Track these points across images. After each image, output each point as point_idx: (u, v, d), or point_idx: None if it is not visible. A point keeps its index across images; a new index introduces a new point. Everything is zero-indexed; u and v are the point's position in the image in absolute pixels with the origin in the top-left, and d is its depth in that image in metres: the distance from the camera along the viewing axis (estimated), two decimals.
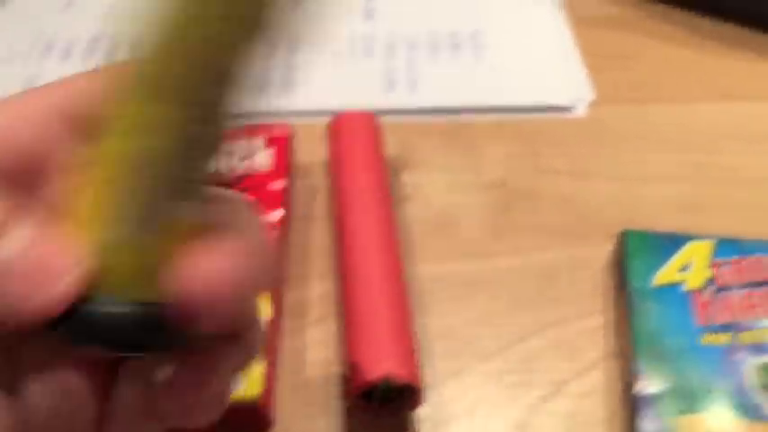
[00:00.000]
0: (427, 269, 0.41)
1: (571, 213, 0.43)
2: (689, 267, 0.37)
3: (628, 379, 0.34)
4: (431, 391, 0.35)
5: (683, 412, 0.32)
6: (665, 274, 0.37)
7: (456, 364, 0.36)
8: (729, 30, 0.55)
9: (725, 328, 0.35)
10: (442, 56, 0.53)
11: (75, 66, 0.52)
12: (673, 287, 0.36)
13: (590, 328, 0.38)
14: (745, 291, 0.36)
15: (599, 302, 0.39)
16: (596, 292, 0.39)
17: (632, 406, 0.33)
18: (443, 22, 0.57)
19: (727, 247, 0.38)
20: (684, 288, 0.36)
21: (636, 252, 0.38)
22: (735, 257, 0.37)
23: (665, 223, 0.41)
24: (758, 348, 0.34)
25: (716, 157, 0.46)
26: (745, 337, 0.34)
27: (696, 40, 0.55)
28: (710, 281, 0.36)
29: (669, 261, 0.37)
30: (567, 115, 0.49)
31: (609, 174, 0.45)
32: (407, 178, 0.45)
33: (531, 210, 0.43)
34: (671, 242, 0.38)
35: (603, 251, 0.40)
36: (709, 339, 0.34)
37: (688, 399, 0.32)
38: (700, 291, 0.36)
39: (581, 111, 0.50)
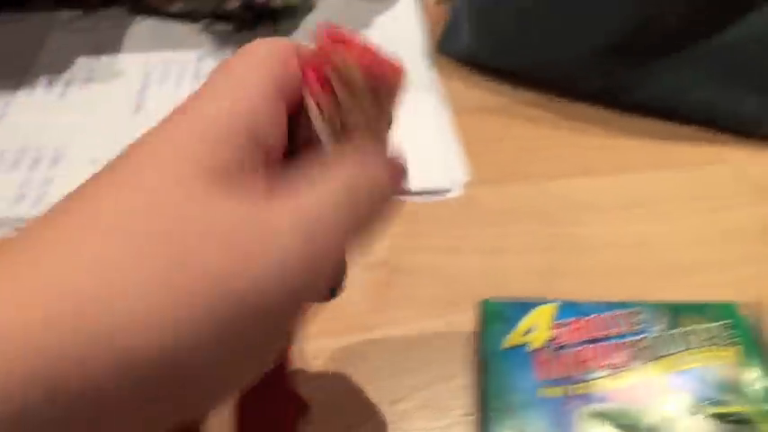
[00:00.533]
0: (312, 344, 0.46)
1: (444, 286, 0.49)
2: (533, 330, 0.43)
3: None
4: None
5: None
6: (513, 337, 0.42)
7: (334, 427, 0.41)
8: (585, 110, 0.63)
9: (559, 381, 0.40)
10: None
11: None
12: (519, 348, 0.42)
13: (455, 388, 0.43)
14: (580, 347, 0.42)
15: (464, 365, 0.44)
16: (462, 356, 0.44)
17: None
18: None
19: (569, 309, 0.44)
20: (528, 349, 0.42)
21: (491, 319, 0.44)
22: (574, 318, 0.43)
23: (524, 290, 0.47)
24: (587, 398, 0.39)
25: (571, 228, 0.53)
26: (578, 389, 0.40)
27: (559, 122, 0.62)
28: (551, 341, 0.42)
29: (517, 325, 0.43)
30: (446, 196, 0.56)
31: (477, 247, 0.51)
32: None
33: (409, 284, 0.49)
34: (520, 308, 0.44)
35: (470, 318, 0.46)
36: (547, 392, 0.40)
37: None
38: (541, 350, 0.42)
39: (457, 191, 0.56)
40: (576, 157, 0.59)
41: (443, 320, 0.47)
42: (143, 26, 0.78)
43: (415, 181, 0.61)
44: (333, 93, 0.29)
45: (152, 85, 0.69)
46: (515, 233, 0.53)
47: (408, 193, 0.57)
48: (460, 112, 0.64)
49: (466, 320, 0.46)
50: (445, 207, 0.55)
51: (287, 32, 0.76)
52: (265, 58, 0.30)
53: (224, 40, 0.75)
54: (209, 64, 0.72)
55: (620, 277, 0.49)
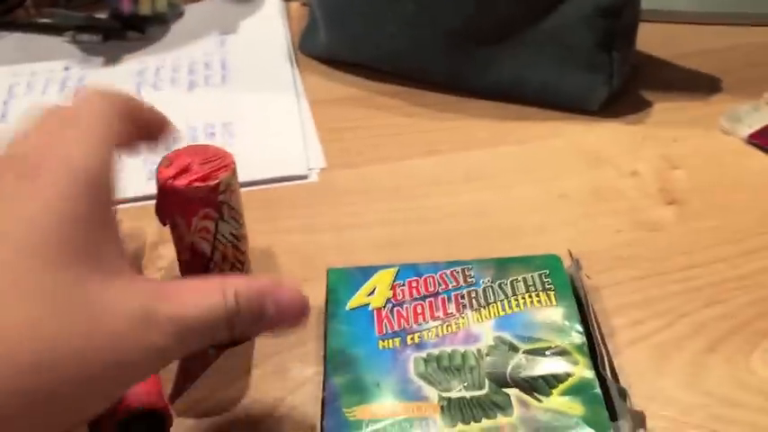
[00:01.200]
0: None
1: (299, 262, 0.52)
2: (375, 292, 0.46)
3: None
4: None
5: (357, 404, 0.40)
6: (356, 299, 0.46)
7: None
8: (435, 97, 0.67)
9: (397, 334, 0.44)
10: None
11: None
12: (361, 309, 0.45)
13: (306, 353, 0.46)
14: (415, 303, 0.45)
15: (317, 332, 0.47)
16: (316, 325, 0.47)
17: (321, 407, 0.41)
18: (199, 117, 0.66)
19: (407, 271, 0.47)
20: (370, 308, 0.45)
21: (336, 285, 0.47)
22: (411, 279, 0.47)
23: (374, 259, 0.50)
24: (419, 346, 0.43)
25: (417, 202, 0.57)
26: (411, 339, 0.43)
27: (410, 109, 0.66)
28: (389, 300, 0.46)
29: (360, 289, 0.46)
30: (304, 182, 0.59)
31: (331, 225, 0.55)
32: (164, 251, 0.53)
33: (265, 263, 0.52)
34: (363, 274, 0.47)
35: (322, 291, 0.49)
36: (385, 344, 0.43)
37: (362, 392, 0.41)
38: (381, 308, 0.45)
39: (314, 177, 0.60)
40: (424, 139, 0.63)
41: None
42: (9, 40, 0.79)
43: (272, 169, 0.65)
44: None
45: (17, 96, 0.70)
46: (367, 210, 0.56)
47: (267, 181, 0.61)
48: (319, 105, 0.67)
49: (319, 293, 0.49)
50: (302, 191, 0.59)
51: (156, 40, 0.78)
52: (107, 110, 0.32)
53: (91, 50, 0.76)
54: (77, 73, 0.73)
55: (460, 242, 0.53)
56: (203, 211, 0.42)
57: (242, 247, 0.46)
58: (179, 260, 0.46)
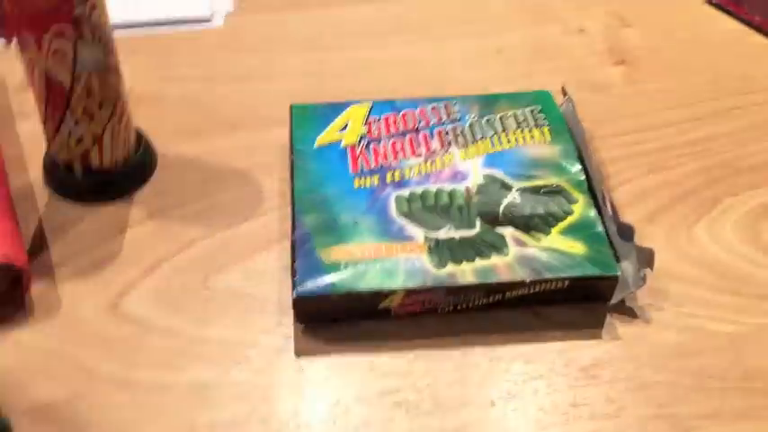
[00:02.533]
0: None
1: (195, 112, 0.46)
2: (347, 127, 0.41)
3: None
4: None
5: (332, 244, 0.35)
6: (326, 135, 0.40)
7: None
8: None
9: (374, 171, 0.38)
10: None
11: None
12: (332, 145, 0.40)
13: (269, 189, 0.41)
14: (394, 139, 0.40)
15: (280, 171, 0.42)
16: (280, 161, 0.42)
17: (292, 249, 0.36)
18: None
19: (383, 106, 0.42)
20: (342, 144, 0.40)
21: (300, 122, 0.41)
22: (387, 114, 0.41)
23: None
24: (400, 184, 0.38)
25: (339, 54, 0.50)
26: (391, 177, 0.38)
27: None
28: (363, 136, 0.40)
29: (330, 125, 0.41)
30: (207, 26, 0.52)
31: (236, 76, 0.48)
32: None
33: (156, 114, 0.45)
34: (332, 109, 0.42)
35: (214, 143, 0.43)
36: (361, 183, 0.38)
37: (337, 233, 0.36)
38: (354, 145, 0.40)
39: (219, 21, 0.52)
40: None
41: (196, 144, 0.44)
42: None
43: (169, 8, 0.54)
44: None
45: None
46: (277, 62, 0.49)
47: (165, 22, 0.52)
48: None
49: (209, 146, 0.43)
50: (204, 36, 0.51)
51: None
52: None
53: None
54: None
55: (388, 94, 0.44)
56: (56, 27, 0.34)
57: (112, 81, 0.38)
58: (35, 98, 0.37)
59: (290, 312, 0.36)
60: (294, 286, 0.34)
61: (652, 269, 0.35)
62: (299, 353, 0.34)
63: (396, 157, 0.39)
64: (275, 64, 0.49)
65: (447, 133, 0.40)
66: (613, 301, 0.35)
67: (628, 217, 0.40)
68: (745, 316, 0.36)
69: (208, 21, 0.51)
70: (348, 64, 0.49)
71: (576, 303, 0.36)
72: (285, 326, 0.35)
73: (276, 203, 0.40)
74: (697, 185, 0.42)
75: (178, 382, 0.33)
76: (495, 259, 0.35)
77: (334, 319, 0.35)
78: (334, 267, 0.34)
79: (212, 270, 0.37)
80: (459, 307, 0.35)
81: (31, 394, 0.32)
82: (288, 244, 0.37)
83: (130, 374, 0.33)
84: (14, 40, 0.35)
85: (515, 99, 0.42)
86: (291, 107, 0.42)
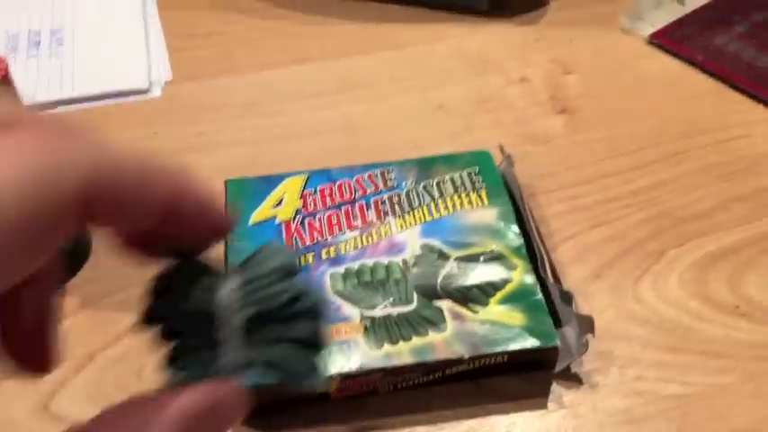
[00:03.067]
0: None
1: None
2: (282, 202, 0.40)
3: None
4: None
5: None
6: (261, 212, 0.40)
7: None
8: None
9: (309, 249, 0.38)
10: (20, 54, 0.53)
11: None
12: (267, 222, 0.39)
13: None
14: (330, 212, 0.39)
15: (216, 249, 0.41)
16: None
17: None
18: (23, 23, 0.56)
19: (318, 177, 0.41)
20: (277, 221, 0.39)
21: (234, 198, 0.40)
22: (323, 185, 0.41)
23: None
24: (336, 260, 0.37)
25: (280, 118, 0.49)
26: (326, 253, 0.38)
27: (273, 12, 0.57)
28: (299, 210, 0.39)
29: (264, 200, 0.40)
30: (145, 97, 0.51)
31: (177, 147, 0.47)
32: None
33: None
34: (267, 183, 0.41)
35: None
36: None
37: None
38: (290, 221, 0.39)
39: (157, 91, 0.51)
40: (288, 45, 0.55)
41: None
42: None
43: (108, 82, 0.53)
44: None
45: None
46: (217, 129, 0.48)
47: (101, 97, 0.51)
48: (170, 9, 0.58)
49: None
50: (143, 108, 0.50)
51: None
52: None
53: None
54: None
55: (326, 162, 0.43)
56: None
57: None
58: None
59: None
60: None
61: (593, 335, 0.35)
62: None
63: (331, 232, 0.38)
64: (212, 134, 0.48)
65: (384, 203, 0.40)
66: (557, 369, 0.35)
67: (571, 275, 0.39)
68: (693, 375, 0.35)
69: (146, 92, 0.50)
70: (285, 130, 0.48)
71: (518, 373, 0.35)
72: None
73: None
74: (641, 238, 0.41)
75: None
76: (432, 336, 0.34)
77: (272, 409, 0.34)
78: None
79: (148, 360, 0.36)
80: (399, 386, 0.34)
81: None
82: None
83: None
84: None
85: (453, 161, 0.42)
86: (226, 183, 0.41)
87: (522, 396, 0.35)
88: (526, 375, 0.35)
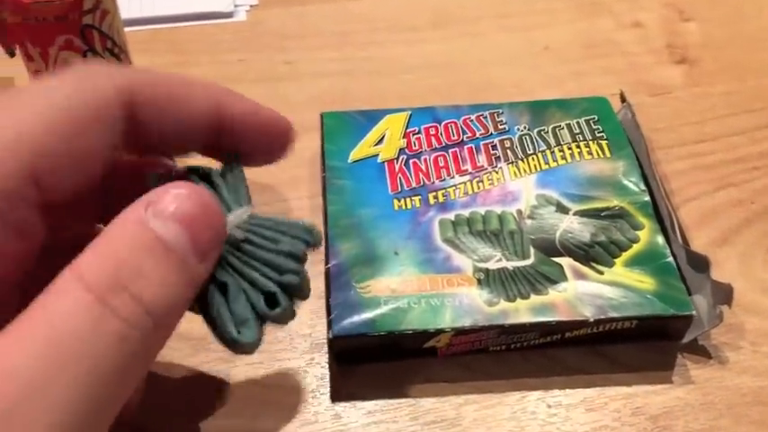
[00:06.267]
0: None
1: None
2: (383, 140, 0.37)
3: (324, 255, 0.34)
4: None
5: (371, 277, 0.31)
6: (361, 149, 0.36)
7: None
8: None
9: (415, 192, 0.35)
10: None
11: None
12: (368, 161, 0.36)
13: (300, 207, 0.37)
14: (435, 154, 0.36)
15: (310, 185, 0.38)
16: (310, 177, 0.38)
17: (326, 280, 0.32)
18: None
19: (422, 115, 0.38)
20: (379, 159, 0.36)
21: (332, 133, 0.37)
22: (427, 125, 0.37)
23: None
24: (444, 206, 0.34)
25: (372, 51, 0.46)
26: (434, 198, 0.34)
27: None
28: (402, 150, 0.36)
29: (365, 137, 0.37)
30: (228, 21, 0.48)
31: (261, 75, 0.44)
32: None
33: None
34: (366, 118, 0.38)
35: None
36: (401, 204, 0.34)
37: (376, 264, 0.32)
38: (393, 161, 0.36)
39: (242, 15, 0.48)
40: None
41: None
42: None
43: (192, 3, 0.50)
44: None
45: None
46: (304, 59, 0.45)
47: (183, 18, 0.48)
48: None
49: None
50: (226, 32, 0.47)
51: None
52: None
53: None
54: None
55: (420, 100, 0.41)
56: (63, 39, 0.31)
57: None
58: None
59: (324, 350, 0.32)
60: (330, 325, 0.30)
61: (730, 306, 0.31)
62: (334, 397, 0.31)
63: (439, 175, 0.35)
64: (301, 63, 0.45)
65: (494, 147, 0.36)
66: (685, 340, 0.32)
67: (695, 241, 0.36)
68: None
69: (230, 15, 0.47)
70: (380, 63, 0.45)
71: (642, 342, 0.32)
72: (318, 365, 0.32)
73: None
74: None
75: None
76: (553, 295, 0.31)
77: (373, 359, 0.31)
78: (374, 303, 0.30)
79: None
80: (512, 346, 0.31)
81: None
82: (319, 271, 0.33)
83: None
84: (18, 50, 0.32)
85: (569, 107, 0.38)
86: (322, 116, 0.38)
87: (645, 367, 0.32)
88: (649, 345, 0.32)
